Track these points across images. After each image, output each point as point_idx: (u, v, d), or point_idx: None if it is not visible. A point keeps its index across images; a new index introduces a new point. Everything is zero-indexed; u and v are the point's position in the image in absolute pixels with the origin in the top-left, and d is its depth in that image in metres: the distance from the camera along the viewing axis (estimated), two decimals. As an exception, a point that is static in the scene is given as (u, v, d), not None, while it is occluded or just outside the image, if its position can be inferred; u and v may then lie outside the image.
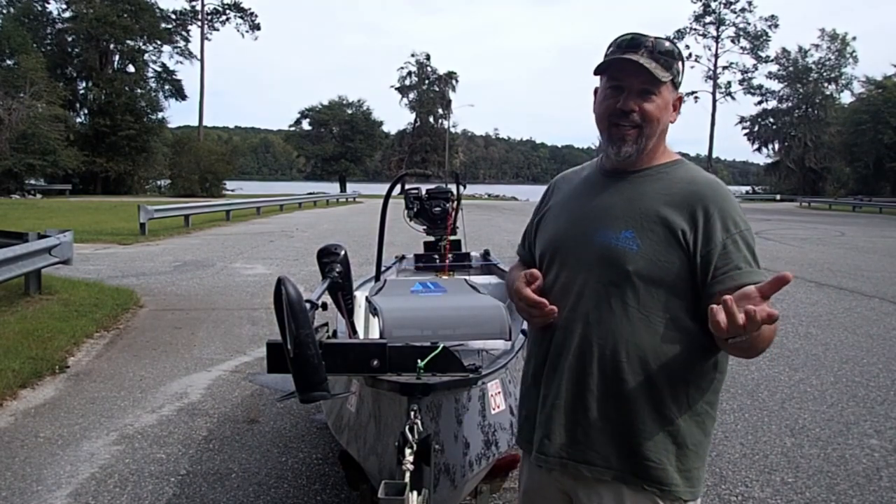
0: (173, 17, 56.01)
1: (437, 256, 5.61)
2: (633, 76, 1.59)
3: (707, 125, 64.76)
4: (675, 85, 1.64)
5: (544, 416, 1.67)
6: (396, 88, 70.64)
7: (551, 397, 1.65)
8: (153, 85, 53.94)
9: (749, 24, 63.11)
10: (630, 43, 1.60)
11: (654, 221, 1.57)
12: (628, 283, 1.56)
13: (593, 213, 1.66)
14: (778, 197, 54.30)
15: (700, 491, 1.62)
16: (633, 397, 1.56)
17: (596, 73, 1.66)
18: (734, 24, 63.62)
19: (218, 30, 61.64)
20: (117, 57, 51.94)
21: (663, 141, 1.68)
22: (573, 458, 1.62)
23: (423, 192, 5.66)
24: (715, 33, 63.98)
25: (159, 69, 54.59)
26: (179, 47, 56.21)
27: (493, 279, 5.12)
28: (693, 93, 64.34)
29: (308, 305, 1.72)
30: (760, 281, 1.51)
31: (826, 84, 60.14)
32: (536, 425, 1.70)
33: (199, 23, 58.25)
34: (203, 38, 58.33)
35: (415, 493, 1.84)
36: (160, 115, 52.91)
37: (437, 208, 5.54)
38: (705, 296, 1.53)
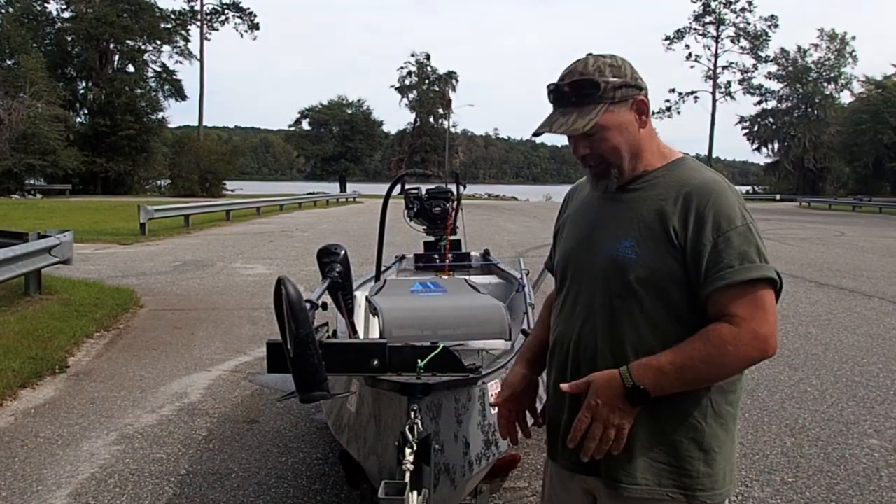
0: (173, 17, 56.03)
1: (437, 256, 5.61)
2: (564, 131, 1.58)
3: (707, 125, 64.92)
4: (621, 98, 1.56)
5: (567, 426, 1.64)
6: (396, 88, 70.59)
7: (573, 409, 1.62)
8: (153, 85, 54.03)
9: (749, 23, 63.25)
10: (553, 97, 1.60)
11: (650, 228, 1.56)
12: (631, 291, 1.54)
13: (598, 226, 1.65)
14: (778, 197, 54.28)
15: (728, 490, 1.60)
16: (653, 405, 1.53)
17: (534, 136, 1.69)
18: (734, 24, 63.77)
19: (217, 30, 61.68)
20: (117, 57, 51.99)
21: (649, 148, 1.62)
22: (596, 472, 1.61)
23: (423, 192, 5.66)
24: (715, 33, 64.07)
25: (159, 69, 54.72)
26: (179, 47, 56.29)
27: (493, 279, 5.13)
28: (693, 93, 64.44)
29: (308, 305, 1.72)
30: (759, 277, 1.48)
31: (825, 84, 60.14)
32: (561, 433, 1.68)
33: (199, 23, 58.29)
34: (202, 37, 58.42)
35: (415, 493, 1.84)
36: (160, 115, 53.09)
37: (437, 208, 5.54)
38: (700, 297, 1.52)
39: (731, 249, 1.49)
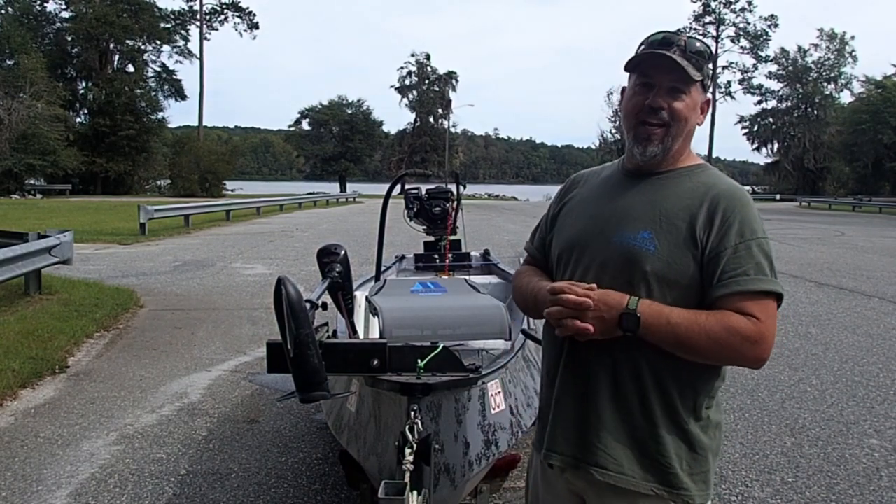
0: (172, 16, 56.06)
1: (437, 256, 5.62)
2: (665, 73, 1.56)
3: (707, 125, 64.77)
4: (704, 87, 1.62)
5: (555, 417, 1.66)
6: (396, 88, 70.57)
7: (563, 398, 1.64)
8: (153, 85, 54.09)
9: (749, 23, 63.27)
10: (662, 42, 1.58)
11: (672, 224, 1.56)
12: (644, 283, 1.54)
13: (613, 214, 1.64)
14: (778, 197, 54.24)
15: (711, 492, 1.62)
16: (646, 401, 1.56)
17: (626, 69, 1.63)
18: (734, 24, 63.77)
19: (217, 29, 61.71)
20: (117, 57, 52.02)
21: (689, 143, 1.66)
22: (584, 460, 1.61)
23: (423, 192, 5.67)
24: (715, 33, 63.98)
25: (159, 69, 54.79)
26: (179, 47, 56.34)
27: (493, 279, 5.13)
28: (692, 92, 64.41)
29: (308, 305, 1.72)
30: (769, 290, 1.50)
31: (825, 84, 60.15)
32: (547, 424, 1.69)
33: (198, 23, 58.30)
34: (202, 37, 58.45)
35: (415, 492, 1.84)
36: (160, 115, 53.09)
37: (437, 208, 5.54)
38: (708, 298, 1.52)
39: (750, 258, 1.51)
